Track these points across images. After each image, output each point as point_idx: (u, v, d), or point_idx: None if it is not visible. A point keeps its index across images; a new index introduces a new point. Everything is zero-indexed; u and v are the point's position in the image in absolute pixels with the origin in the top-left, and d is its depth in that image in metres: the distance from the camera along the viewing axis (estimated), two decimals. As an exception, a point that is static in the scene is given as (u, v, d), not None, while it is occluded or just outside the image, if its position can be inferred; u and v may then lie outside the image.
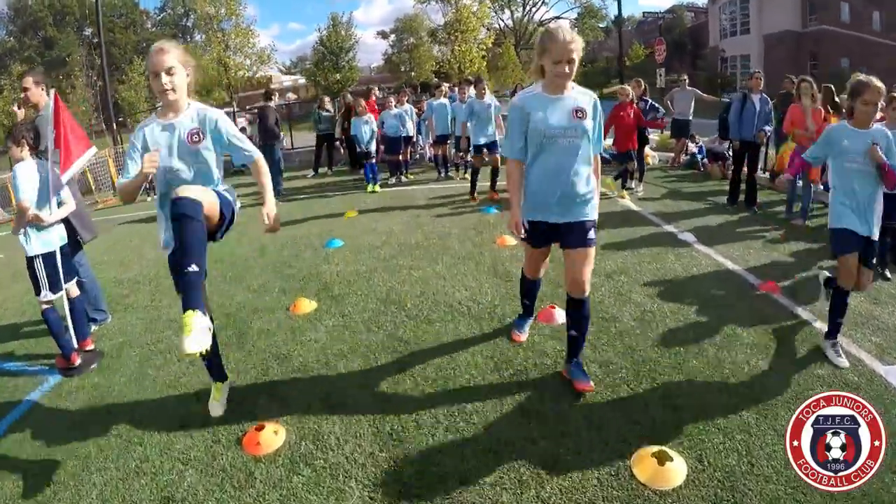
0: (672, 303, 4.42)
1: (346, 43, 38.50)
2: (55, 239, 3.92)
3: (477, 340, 3.91)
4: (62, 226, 4.01)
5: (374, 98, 13.18)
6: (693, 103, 11.11)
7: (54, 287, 3.92)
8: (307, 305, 4.71)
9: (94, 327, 4.70)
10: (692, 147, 11.13)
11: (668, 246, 5.88)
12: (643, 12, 38.80)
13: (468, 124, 8.79)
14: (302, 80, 46.34)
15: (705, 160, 10.66)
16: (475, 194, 8.79)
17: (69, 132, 4.21)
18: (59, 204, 3.95)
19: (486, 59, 36.39)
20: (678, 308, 4.31)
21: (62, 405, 3.58)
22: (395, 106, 11.53)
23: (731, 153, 9.89)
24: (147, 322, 4.81)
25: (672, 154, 11.64)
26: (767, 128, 7.53)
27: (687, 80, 11.52)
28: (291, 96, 44.93)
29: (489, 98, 8.78)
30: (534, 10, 47.57)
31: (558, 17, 44.28)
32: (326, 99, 14.05)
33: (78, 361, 3.99)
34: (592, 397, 3.14)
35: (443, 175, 11.37)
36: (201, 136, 2.90)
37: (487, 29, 39.30)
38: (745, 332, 3.90)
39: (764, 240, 6.13)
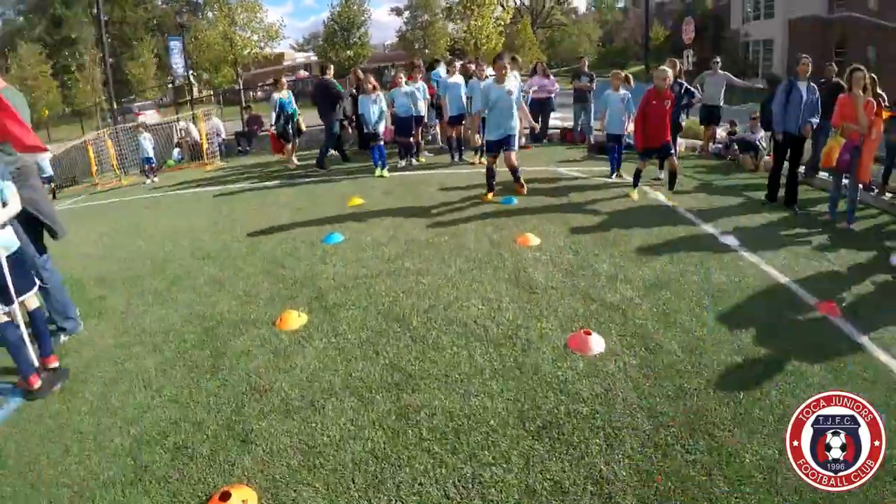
0: (723, 327, 3.78)
1: (358, 18, 37.54)
2: None
3: (496, 375, 3.27)
4: (9, 230, 3.42)
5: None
6: (723, 89, 10.36)
7: (5, 299, 3.36)
8: (295, 320, 4.11)
9: (63, 338, 4.19)
10: (720, 133, 10.42)
11: (710, 251, 5.22)
12: (664, -9, 37.60)
13: (485, 113, 7.13)
14: (314, 57, 45.56)
15: (736, 150, 9.96)
16: (491, 194, 7.43)
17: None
18: (3, 204, 3.35)
19: (503, 34, 35.18)
20: (731, 335, 3.68)
21: (19, 438, 3.08)
22: (406, 83, 10.52)
23: (762, 143, 9.24)
24: (119, 333, 4.26)
25: (700, 141, 10.93)
26: (814, 120, 6.78)
27: (719, 64, 10.74)
28: (303, 73, 44.29)
29: (512, 81, 6.94)
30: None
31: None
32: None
33: (37, 384, 3.46)
34: (644, 464, 2.53)
35: (457, 159, 10.66)
36: None
37: (503, 6, 38.08)
38: (809, 369, 3.29)
39: (810, 245, 5.49)
